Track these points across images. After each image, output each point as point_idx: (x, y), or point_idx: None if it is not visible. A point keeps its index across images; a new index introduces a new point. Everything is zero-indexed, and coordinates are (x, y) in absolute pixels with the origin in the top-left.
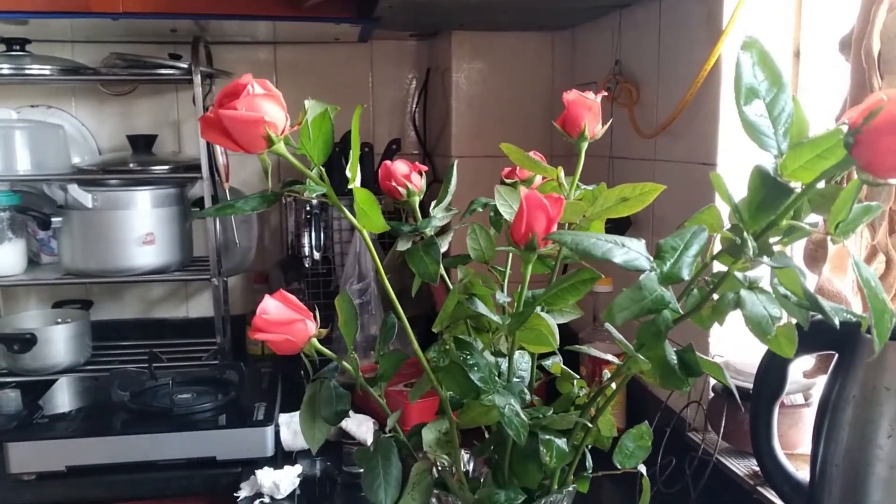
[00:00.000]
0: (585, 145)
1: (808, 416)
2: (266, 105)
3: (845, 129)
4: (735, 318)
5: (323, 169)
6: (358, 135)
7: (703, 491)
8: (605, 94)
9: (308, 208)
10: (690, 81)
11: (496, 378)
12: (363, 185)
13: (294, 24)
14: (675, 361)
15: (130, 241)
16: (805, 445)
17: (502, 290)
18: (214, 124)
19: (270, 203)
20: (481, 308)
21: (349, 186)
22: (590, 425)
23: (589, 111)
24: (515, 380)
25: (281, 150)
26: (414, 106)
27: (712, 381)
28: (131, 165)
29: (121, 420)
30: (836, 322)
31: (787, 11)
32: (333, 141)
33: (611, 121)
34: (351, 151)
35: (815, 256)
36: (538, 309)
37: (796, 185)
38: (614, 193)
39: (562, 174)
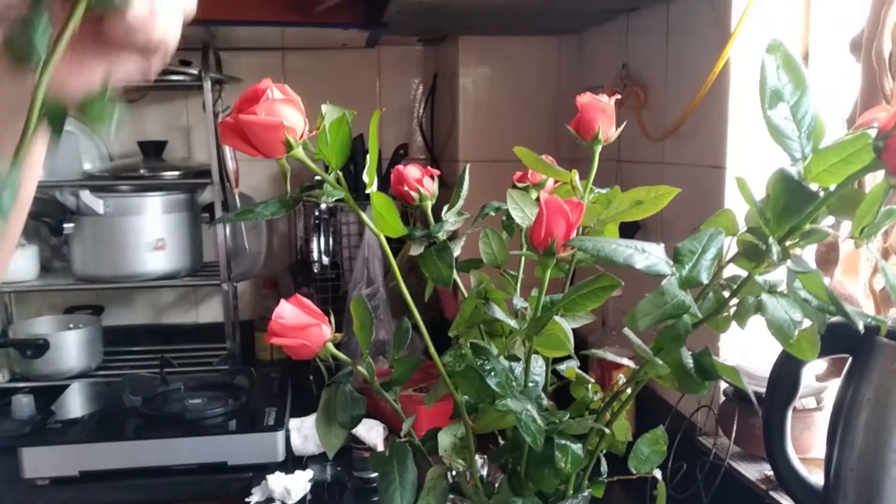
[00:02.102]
0: (599, 148)
1: (821, 419)
2: (285, 110)
3: (872, 133)
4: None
5: (340, 173)
6: (376, 139)
7: (714, 496)
8: (618, 97)
9: (317, 213)
10: (698, 85)
11: (512, 383)
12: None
13: (302, 30)
14: (692, 365)
15: (141, 246)
16: (817, 449)
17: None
18: (234, 129)
19: (289, 208)
20: (498, 313)
21: (366, 191)
22: (606, 430)
23: (603, 114)
24: (531, 384)
25: (300, 154)
26: (421, 111)
27: (723, 385)
28: (142, 171)
29: (133, 425)
30: (861, 326)
31: (796, 14)
32: (351, 145)
33: (624, 124)
34: (368, 156)
35: (828, 259)
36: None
37: (819, 189)
38: (628, 196)
39: (576, 177)
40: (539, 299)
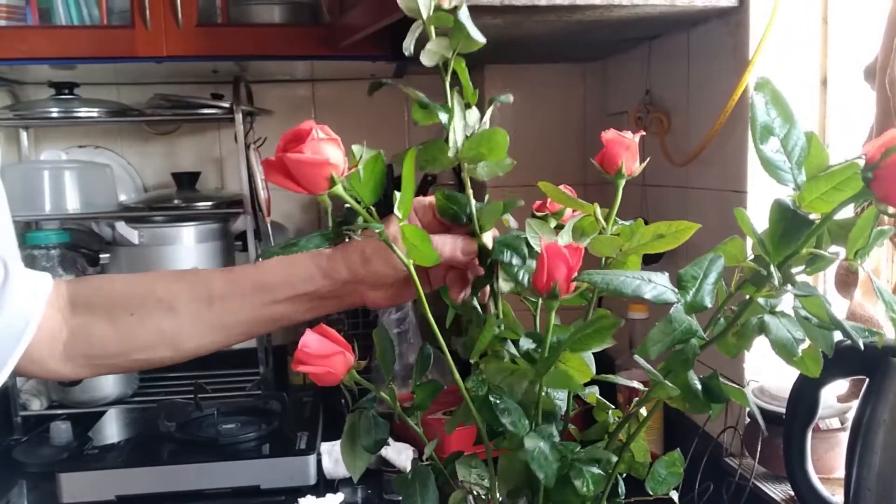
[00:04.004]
0: (623, 182)
1: (845, 439)
2: (329, 149)
3: (861, 162)
4: (767, 344)
5: (374, 207)
6: (411, 177)
7: None
8: (643, 133)
9: (347, 240)
10: (720, 110)
11: (525, 421)
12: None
13: (331, 63)
14: (699, 388)
15: None
16: (842, 469)
17: (534, 319)
18: (278, 167)
19: (330, 241)
20: (512, 350)
21: (400, 224)
22: (614, 459)
23: (627, 150)
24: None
25: (339, 191)
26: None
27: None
28: (176, 202)
29: (168, 450)
30: (861, 343)
31: (813, 40)
32: (385, 182)
33: (648, 159)
34: (402, 188)
35: (847, 282)
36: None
37: (816, 216)
38: (650, 230)
39: (598, 210)
40: (546, 340)
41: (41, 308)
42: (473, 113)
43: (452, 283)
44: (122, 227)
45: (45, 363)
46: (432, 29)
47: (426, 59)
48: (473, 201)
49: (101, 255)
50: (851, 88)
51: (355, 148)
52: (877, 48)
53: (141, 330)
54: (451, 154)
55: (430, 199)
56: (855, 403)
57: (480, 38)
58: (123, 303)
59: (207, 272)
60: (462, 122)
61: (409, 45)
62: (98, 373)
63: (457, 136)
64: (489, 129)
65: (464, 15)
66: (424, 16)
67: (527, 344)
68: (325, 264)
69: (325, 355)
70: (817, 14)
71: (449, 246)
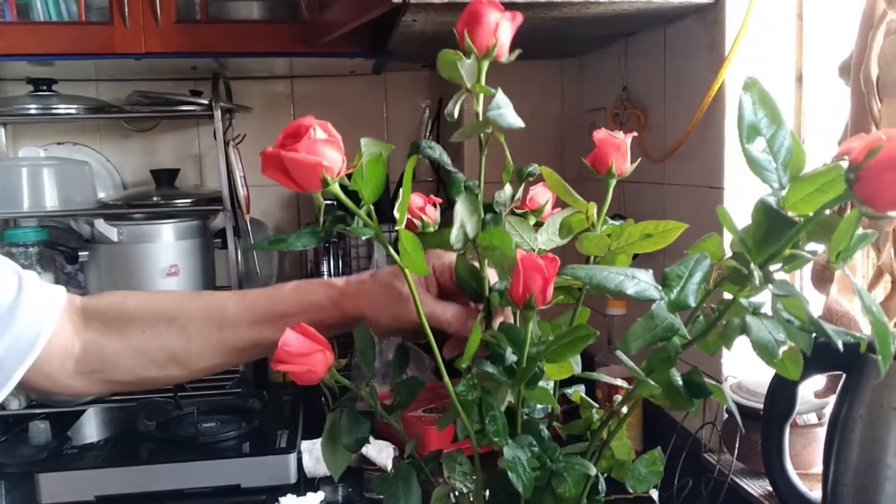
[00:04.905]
0: (614, 182)
1: (822, 435)
2: (325, 149)
3: (844, 164)
4: (747, 342)
5: (372, 208)
6: (410, 181)
7: None
8: (636, 134)
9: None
10: (696, 106)
11: (507, 432)
12: (379, 212)
13: (310, 60)
14: (681, 384)
15: (155, 273)
16: (820, 465)
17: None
18: (275, 162)
19: (320, 239)
20: (490, 369)
21: (396, 227)
22: (593, 471)
23: (617, 150)
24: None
25: (335, 190)
26: (427, 134)
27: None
28: (155, 199)
29: (147, 449)
30: (840, 345)
31: (788, 37)
32: (385, 181)
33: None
34: (402, 193)
35: (823, 278)
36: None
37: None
38: (638, 230)
39: (594, 210)
40: (524, 351)
41: (53, 321)
42: (507, 190)
43: (451, 345)
44: (101, 225)
45: (57, 378)
46: (479, 98)
47: (457, 137)
48: (490, 282)
49: (80, 253)
50: (826, 85)
51: (363, 141)
52: (851, 45)
53: (152, 348)
54: (458, 245)
55: (452, 259)
56: (832, 399)
57: (519, 124)
58: (136, 320)
59: (221, 296)
60: (475, 217)
61: (452, 111)
62: (109, 389)
63: (468, 229)
64: (498, 229)
65: (500, 105)
66: (469, 85)
67: (510, 358)
68: (337, 297)
69: (305, 354)
70: (792, 10)
71: (458, 323)
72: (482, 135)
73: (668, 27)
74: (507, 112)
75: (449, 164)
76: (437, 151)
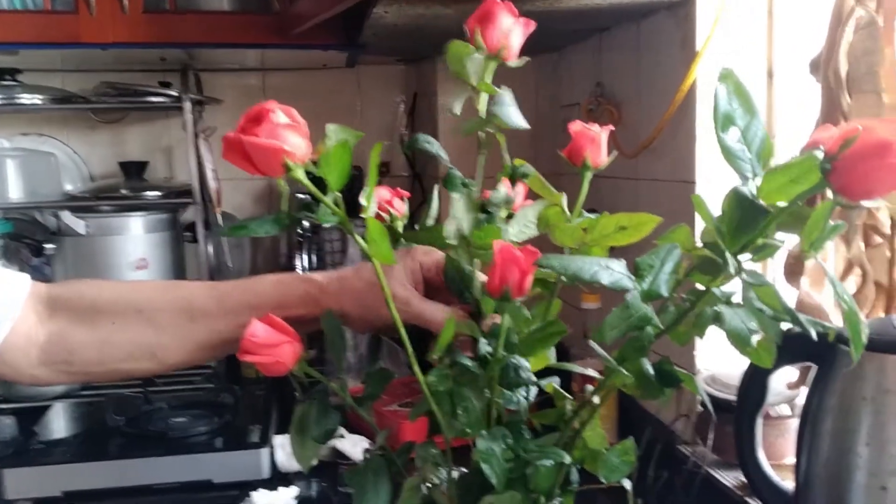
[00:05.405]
0: (590, 175)
1: (794, 426)
2: (287, 134)
3: (819, 154)
4: (719, 333)
5: (339, 195)
6: (377, 169)
7: (693, 503)
8: (613, 128)
9: (300, 231)
10: (669, 102)
11: (480, 423)
12: (351, 207)
13: (282, 52)
14: (652, 373)
15: (123, 266)
16: (793, 455)
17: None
18: (236, 147)
19: (284, 226)
20: (464, 360)
21: (360, 214)
22: (567, 459)
23: (592, 143)
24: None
25: (299, 176)
26: (402, 129)
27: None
28: (123, 192)
29: (116, 445)
30: (814, 334)
31: (759, 33)
32: (351, 168)
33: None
34: (368, 181)
35: (794, 270)
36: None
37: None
38: (612, 222)
39: (564, 200)
40: (499, 343)
41: (16, 310)
42: (501, 190)
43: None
44: (67, 217)
45: (20, 367)
46: (482, 97)
47: (461, 132)
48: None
49: (46, 246)
50: (797, 81)
51: (329, 127)
52: (821, 41)
53: (121, 340)
54: (455, 241)
55: (441, 257)
56: (804, 390)
57: (523, 124)
58: (105, 311)
59: (194, 286)
60: (471, 214)
61: (452, 106)
62: (76, 380)
63: (462, 224)
64: (491, 227)
65: (504, 103)
66: (474, 83)
67: (484, 348)
68: (317, 294)
69: (272, 345)
70: (763, 7)
71: (437, 324)
72: (481, 133)
73: (642, 23)
74: (513, 111)
75: (446, 159)
76: (435, 147)
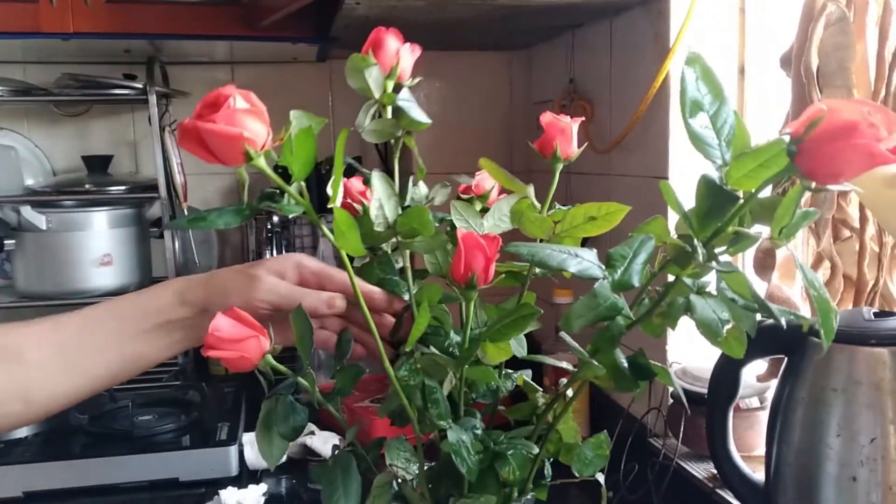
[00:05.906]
0: (560, 166)
1: (764, 418)
2: (247, 120)
3: (787, 138)
4: (691, 327)
5: (304, 185)
6: (342, 157)
7: (664, 495)
8: (583, 119)
9: (269, 226)
10: (641, 98)
11: (450, 415)
12: (323, 202)
13: (251, 44)
14: (626, 366)
15: (87, 262)
16: (762, 447)
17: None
18: (192, 134)
19: (245, 218)
20: (435, 351)
21: (328, 205)
22: (535, 450)
23: (562, 134)
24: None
25: (261, 164)
26: None
27: (672, 388)
28: (87, 186)
29: (80, 443)
30: (784, 322)
31: (731, 29)
32: (316, 157)
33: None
34: (334, 171)
35: (765, 264)
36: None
37: (741, 194)
38: (581, 212)
39: (531, 191)
40: (465, 332)
41: None
42: (421, 188)
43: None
44: (28, 212)
45: None
46: (388, 109)
47: (370, 137)
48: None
49: (6, 242)
50: (767, 77)
51: (293, 113)
52: (792, 37)
53: None
54: (381, 228)
55: (298, 259)
56: (774, 383)
57: (425, 120)
58: None
59: (62, 316)
60: (394, 200)
61: (362, 123)
62: None
63: (387, 212)
64: (415, 207)
65: (404, 98)
66: (377, 96)
67: (455, 338)
68: (182, 288)
69: (237, 339)
70: (735, 4)
71: (311, 298)
72: (395, 139)
73: (615, 19)
74: (412, 105)
75: (415, 151)
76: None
